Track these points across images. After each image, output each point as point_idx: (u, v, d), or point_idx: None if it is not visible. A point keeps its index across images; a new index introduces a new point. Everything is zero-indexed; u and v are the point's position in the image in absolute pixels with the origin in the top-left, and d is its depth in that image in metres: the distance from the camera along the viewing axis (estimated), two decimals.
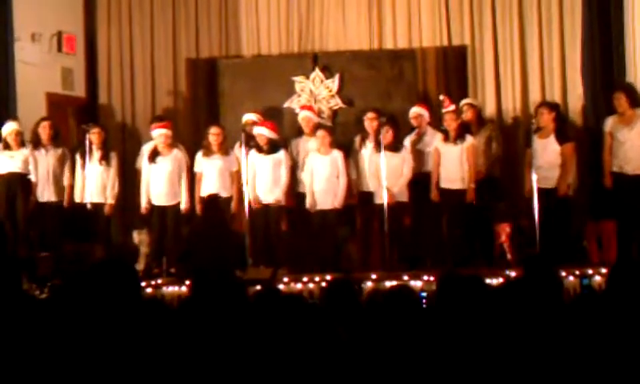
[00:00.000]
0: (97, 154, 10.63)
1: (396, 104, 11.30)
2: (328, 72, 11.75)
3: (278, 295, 5.32)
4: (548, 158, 9.86)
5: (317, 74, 11.75)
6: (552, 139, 9.91)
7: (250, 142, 10.56)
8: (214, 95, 12.08)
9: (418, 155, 10.51)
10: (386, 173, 10.08)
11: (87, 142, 10.52)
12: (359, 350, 3.84)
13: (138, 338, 3.26)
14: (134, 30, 12.42)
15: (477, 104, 10.91)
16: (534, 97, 11.39)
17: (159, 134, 10.62)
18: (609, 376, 3.62)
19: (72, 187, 10.69)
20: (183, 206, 10.54)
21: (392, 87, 11.58)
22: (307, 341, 3.74)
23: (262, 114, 11.10)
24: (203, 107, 12.24)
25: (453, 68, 11.82)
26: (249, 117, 10.97)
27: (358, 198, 10.54)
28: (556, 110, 10.17)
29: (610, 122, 9.96)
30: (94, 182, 10.56)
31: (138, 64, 12.39)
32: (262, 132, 10.52)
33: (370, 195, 10.39)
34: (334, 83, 11.73)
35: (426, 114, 10.73)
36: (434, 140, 10.53)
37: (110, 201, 10.65)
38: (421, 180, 10.42)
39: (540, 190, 9.74)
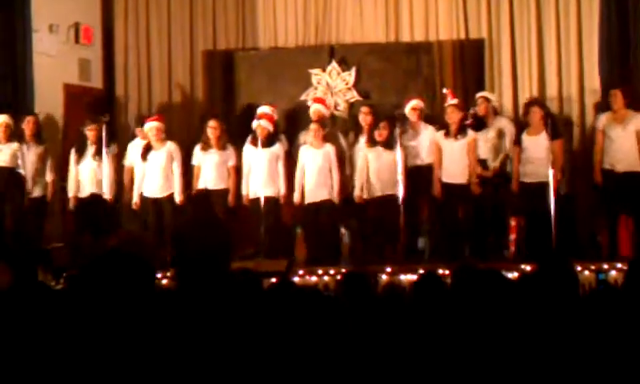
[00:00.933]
0: (91, 149, 10.67)
1: (412, 97, 11.26)
2: (345, 65, 11.75)
3: (293, 288, 5.33)
4: (539, 155, 9.83)
5: (333, 66, 11.74)
6: (543, 135, 9.88)
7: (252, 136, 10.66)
8: (230, 87, 12.09)
9: (409, 149, 10.45)
10: (378, 169, 10.18)
11: (103, 134, 10.51)
12: (374, 343, 3.84)
13: (153, 329, 3.27)
14: (151, 21, 12.44)
15: (491, 98, 10.86)
16: (551, 90, 11.37)
17: (151, 128, 10.64)
18: (625, 370, 3.60)
19: (54, 183, 10.73)
20: (177, 198, 10.56)
21: (409, 80, 11.57)
22: (323, 333, 3.74)
23: (275, 106, 11.10)
24: (219, 99, 12.25)
25: (470, 61, 11.79)
26: (262, 109, 10.98)
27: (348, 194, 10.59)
28: (544, 108, 10.20)
29: (603, 119, 10.02)
30: (87, 178, 10.66)
31: (154, 55, 12.42)
32: (262, 124, 10.55)
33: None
34: (350, 76, 11.72)
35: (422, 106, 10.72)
36: (423, 134, 10.51)
37: (108, 196, 10.62)
38: (414, 173, 10.39)
39: (528, 186, 9.86)
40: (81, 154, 10.73)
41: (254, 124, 10.63)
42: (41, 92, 11.20)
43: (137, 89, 12.41)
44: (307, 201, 10.45)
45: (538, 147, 9.88)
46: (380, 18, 11.96)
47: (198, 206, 9.04)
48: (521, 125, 10.52)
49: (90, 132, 10.69)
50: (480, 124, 10.41)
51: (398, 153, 10.06)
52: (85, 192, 10.70)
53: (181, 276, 8.14)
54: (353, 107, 11.52)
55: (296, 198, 10.49)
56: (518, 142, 10.13)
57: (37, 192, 10.65)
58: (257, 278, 4.76)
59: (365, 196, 10.38)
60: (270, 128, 10.63)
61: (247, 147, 10.62)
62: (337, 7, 12.11)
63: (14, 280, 4.72)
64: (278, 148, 10.61)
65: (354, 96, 11.67)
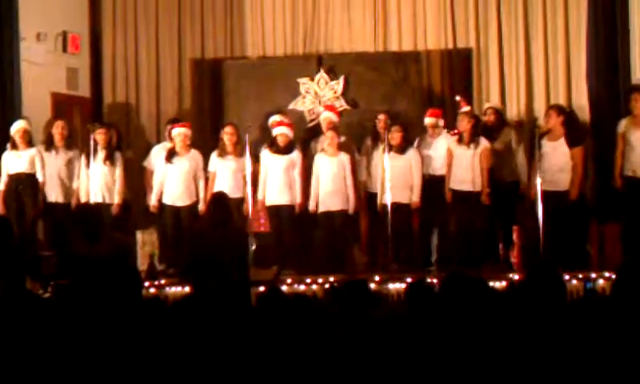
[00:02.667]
0: (101, 154, 10.62)
1: (401, 106, 11.33)
2: (333, 74, 11.76)
3: (282, 297, 5.33)
4: (557, 161, 9.80)
5: (322, 75, 11.76)
6: (562, 142, 9.85)
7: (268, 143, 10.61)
8: (218, 96, 12.09)
9: (423, 158, 10.49)
10: (391, 175, 10.09)
11: (92, 142, 10.48)
12: (366, 352, 3.84)
13: (139, 338, 3.26)
14: (139, 29, 12.43)
15: (500, 108, 10.85)
16: (539, 100, 11.40)
17: (178, 133, 10.59)
18: (612, 378, 3.61)
19: (79, 189, 10.66)
20: (201, 206, 10.48)
21: (397, 89, 11.59)
22: (312, 343, 3.74)
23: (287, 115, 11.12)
24: (208, 108, 12.24)
25: (458, 70, 11.83)
26: (274, 118, 10.98)
27: (366, 200, 10.55)
28: (564, 114, 10.11)
29: (623, 124, 9.87)
30: (98, 182, 10.55)
31: (142, 64, 12.40)
32: (284, 131, 10.52)
33: (376, 197, 10.45)
34: (338, 85, 11.73)
35: (441, 122, 10.71)
36: (439, 143, 10.52)
37: (117, 201, 10.62)
38: (426, 182, 10.40)
39: (547, 193, 9.70)
40: (89, 159, 10.55)
41: (275, 131, 10.58)
42: (28, 100, 11.16)
43: (125, 97, 12.38)
44: (321, 209, 10.41)
45: (556, 154, 9.80)
46: (368, 28, 11.99)
47: (217, 207, 8.89)
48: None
49: (99, 136, 10.61)
50: (490, 134, 10.35)
51: (414, 157, 10.12)
52: (98, 198, 10.55)
53: (196, 282, 8.09)
54: (341, 116, 11.52)
55: (311, 206, 10.44)
56: (537, 147, 9.93)
57: (59, 198, 10.63)
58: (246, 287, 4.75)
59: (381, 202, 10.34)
60: (291, 135, 10.60)
61: (264, 154, 10.55)
62: (325, 17, 12.13)
63: (2, 289, 4.70)
64: (296, 155, 10.58)
65: (342, 105, 11.68)
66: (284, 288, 8.59)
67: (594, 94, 10.93)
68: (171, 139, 10.76)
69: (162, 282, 9.70)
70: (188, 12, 12.37)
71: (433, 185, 10.38)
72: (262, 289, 6.96)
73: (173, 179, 10.52)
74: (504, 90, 11.62)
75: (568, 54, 11.44)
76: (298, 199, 10.46)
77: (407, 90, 11.58)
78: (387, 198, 10.04)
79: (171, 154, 10.57)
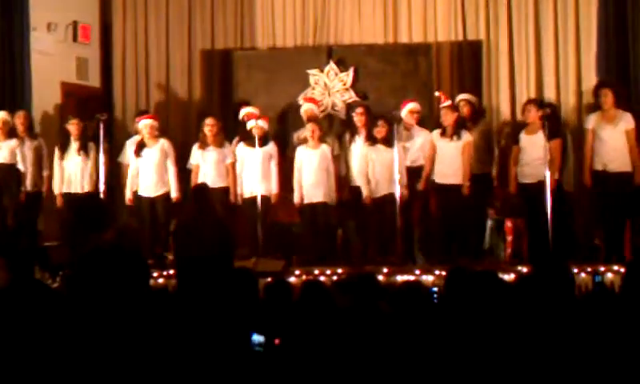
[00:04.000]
0: (75, 144, 10.64)
1: (411, 98, 11.28)
2: (342, 65, 11.75)
3: (289, 288, 5.33)
4: (536, 155, 9.82)
5: (331, 67, 11.75)
6: (540, 136, 9.86)
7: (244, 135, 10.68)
8: (228, 87, 12.09)
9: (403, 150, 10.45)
10: (378, 168, 10.19)
11: (101, 132, 10.47)
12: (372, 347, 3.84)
13: (146, 327, 3.26)
14: (149, 20, 12.43)
15: (473, 100, 10.85)
16: (549, 92, 11.37)
17: (145, 125, 10.65)
18: (621, 372, 3.61)
19: (50, 178, 10.68)
20: (174, 195, 10.55)
21: (406, 81, 11.57)
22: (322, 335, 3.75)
23: (262, 107, 11.14)
24: (217, 99, 12.25)
25: (468, 63, 11.80)
26: (247, 110, 11.04)
27: (350, 194, 10.60)
28: (543, 108, 10.14)
29: (592, 119, 9.93)
30: (73, 173, 10.61)
31: (152, 54, 12.41)
32: (259, 123, 10.56)
33: (358, 190, 10.45)
34: (348, 77, 11.73)
35: (415, 113, 10.73)
36: (418, 137, 10.55)
37: (87, 189, 10.58)
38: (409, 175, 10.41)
39: (525, 186, 9.85)
40: (64, 150, 10.66)
41: (250, 123, 10.62)
42: (38, 90, 11.20)
43: (134, 88, 12.39)
44: (305, 201, 10.46)
45: (535, 147, 9.87)
46: (378, 19, 11.97)
47: (198, 199, 8.94)
48: (518, 125, 10.53)
49: (72, 127, 10.66)
50: (463, 126, 10.38)
51: (396, 151, 10.06)
52: (71, 188, 10.62)
53: (181, 275, 8.12)
54: (350, 108, 11.51)
55: (296, 198, 10.48)
56: (515, 141, 10.12)
57: (32, 187, 10.64)
58: (254, 278, 4.75)
59: (366, 194, 10.37)
60: (266, 127, 10.65)
61: (240, 147, 10.62)
62: (335, 8, 12.11)
63: (12, 278, 4.72)
64: (272, 147, 10.62)
65: (351, 96, 11.68)
66: (292, 279, 8.64)
67: (598, 85, 10.88)
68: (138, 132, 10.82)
69: (172, 272, 9.72)
70: (198, 2, 12.37)
71: (413, 176, 10.39)
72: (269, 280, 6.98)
73: (145, 170, 10.57)
74: (514, 83, 11.59)
75: (578, 47, 11.41)
76: (274, 190, 10.51)
77: (417, 82, 11.56)
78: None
79: (140, 147, 10.61)
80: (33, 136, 10.74)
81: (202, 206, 8.83)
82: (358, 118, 10.72)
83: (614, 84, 10.13)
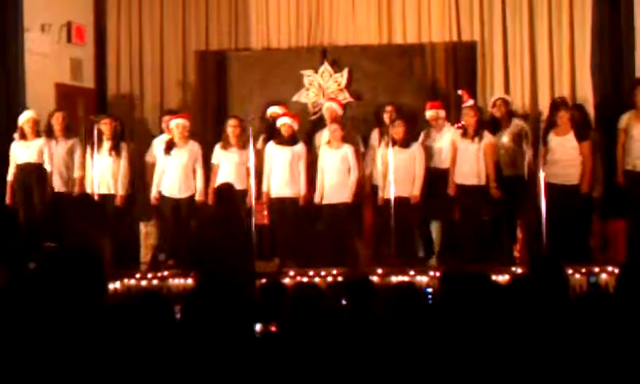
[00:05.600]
0: (107, 144, 10.60)
1: (405, 99, 11.32)
2: (337, 66, 11.77)
3: (284, 289, 5.33)
4: (565, 156, 9.76)
5: (326, 67, 11.76)
6: (570, 137, 9.80)
7: (272, 134, 10.56)
8: (222, 88, 12.09)
9: (426, 151, 10.46)
10: (395, 169, 10.08)
11: (95, 133, 10.45)
12: (368, 348, 3.84)
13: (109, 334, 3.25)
14: (144, 20, 12.42)
15: (509, 100, 10.72)
16: (543, 93, 11.39)
17: (176, 124, 10.52)
18: (615, 374, 3.61)
19: (82, 178, 10.64)
20: (198, 197, 10.49)
21: (401, 82, 11.59)
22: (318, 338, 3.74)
23: (287, 106, 11.10)
24: (212, 99, 12.24)
25: (462, 63, 11.80)
26: (273, 109, 10.96)
27: (371, 193, 10.56)
28: (572, 108, 10.09)
29: (624, 119, 9.83)
30: (104, 173, 10.53)
31: (147, 55, 12.40)
32: (288, 122, 10.50)
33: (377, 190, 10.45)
34: (342, 77, 11.74)
35: (442, 113, 10.65)
36: (444, 136, 10.49)
37: (121, 192, 10.58)
38: (431, 175, 10.37)
39: (553, 186, 9.66)
40: (93, 149, 10.51)
41: (279, 122, 10.53)
42: (32, 91, 11.15)
43: (129, 88, 12.38)
44: (325, 201, 10.39)
45: (564, 148, 9.75)
46: (372, 20, 11.97)
47: (224, 199, 8.80)
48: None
49: (104, 126, 10.57)
50: (496, 127, 10.29)
51: (418, 151, 10.09)
52: (101, 189, 10.51)
53: (202, 277, 8.05)
54: (345, 109, 11.51)
55: (317, 198, 10.41)
56: (544, 141, 9.92)
57: (61, 188, 10.57)
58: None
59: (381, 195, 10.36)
60: (295, 126, 10.58)
61: (270, 145, 10.48)
62: (329, 9, 12.12)
63: (9, 279, 4.71)
64: (300, 147, 10.52)
65: (346, 97, 11.68)
66: (286, 281, 8.63)
67: (599, 88, 10.91)
68: (169, 130, 10.73)
69: (165, 273, 9.72)
70: (192, 3, 12.37)
71: (437, 178, 10.34)
72: (264, 281, 6.98)
73: (171, 171, 10.48)
74: (508, 84, 11.61)
75: (572, 48, 11.43)
76: (302, 192, 10.44)
77: (411, 83, 11.59)
78: (391, 192, 10.01)
79: (170, 146, 10.53)
80: (68, 136, 10.68)
81: (226, 208, 8.69)
82: (388, 116, 10.67)
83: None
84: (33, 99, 11.12)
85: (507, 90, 11.54)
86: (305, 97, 11.70)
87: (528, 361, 3.66)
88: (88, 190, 10.54)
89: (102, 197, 10.47)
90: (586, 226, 9.97)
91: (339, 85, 11.72)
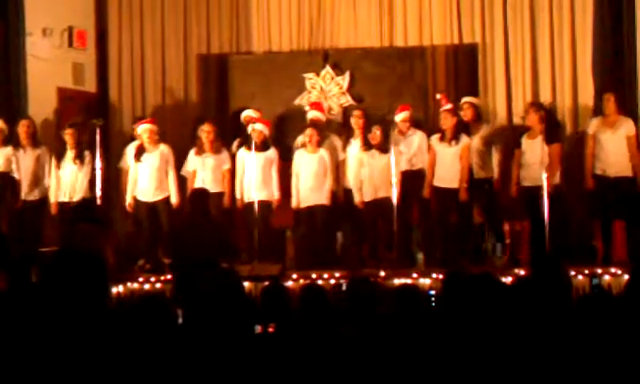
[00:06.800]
0: (71, 153, 10.57)
1: (406, 102, 11.28)
2: (338, 69, 11.77)
3: (285, 291, 5.32)
4: (536, 159, 9.80)
5: (327, 70, 11.76)
6: (540, 139, 9.84)
7: (244, 140, 10.63)
8: (224, 91, 12.09)
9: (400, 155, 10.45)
10: (373, 173, 10.23)
11: (97, 138, 10.42)
12: (370, 350, 3.83)
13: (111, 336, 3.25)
14: (145, 25, 12.42)
15: (477, 103, 10.84)
16: (545, 95, 11.36)
17: (144, 130, 10.63)
18: (618, 375, 3.61)
19: (55, 186, 10.59)
20: (174, 201, 10.53)
21: (402, 85, 11.59)
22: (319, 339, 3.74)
23: (261, 112, 11.12)
24: (213, 103, 12.24)
25: (463, 66, 11.80)
26: (247, 113, 11.01)
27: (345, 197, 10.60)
28: (543, 111, 10.14)
29: (594, 124, 10.00)
30: (67, 181, 10.52)
31: (148, 59, 12.39)
32: (259, 128, 10.54)
33: (352, 193, 10.48)
34: (344, 80, 11.74)
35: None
36: (413, 139, 10.56)
37: (78, 198, 10.44)
38: (404, 178, 10.36)
39: (526, 189, 9.84)
40: (60, 158, 10.58)
41: (250, 128, 10.60)
42: (34, 96, 11.17)
43: (130, 93, 12.37)
44: (302, 205, 10.47)
45: (534, 151, 9.84)
46: (374, 23, 11.97)
47: (196, 204, 8.92)
48: (515, 129, 10.53)
49: (67, 136, 10.60)
50: (465, 131, 10.38)
51: (392, 156, 10.05)
52: (66, 197, 10.51)
53: (179, 279, 8.09)
54: (347, 111, 11.51)
55: (293, 202, 10.47)
56: (517, 145, 10.09)
57: (34, 195, 10.58)
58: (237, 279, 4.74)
59: (359, 199, 10.41)
60: (266, 132, 10.64)
61: (241, 151, 10.60)
62: (331, 12, 12.11)
63: (9, 284, 4.71)
64: (272, 152, 10.61)
65: (347, 100, 11.69)
66: (289, 283, 8.64)
67: (600, 90, 10.89)
68: (138, 136, 10.79)
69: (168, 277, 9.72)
70: (194, 7, 12.36)
71: (410, 179, 10.39)
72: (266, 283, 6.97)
73: (144, 175, 10.56)
74: (510, 86, 11.59)
75: (574, 50, 11.42)
76: (276, 196, 10.49)
77: (413, 86, 11.58)
78: (393, 193, 10.02)
79: (140, 152, 10.59)
80: (35, 144, 10.69)
81: (198, 211, 8.82)
82: (355, 121, 10.72)
83: (617, 89, 10.12)
84: (34, 103, 11.14)
85: (509, 93, 11.55)
86: (307, 100, 11.69)
87: (531, 362, 3.66)
88: (52, 198, 10.53)
89: (63, 204, 10.45)
90: (563, 227, 10.03)
91: (341, 88, 11.72)
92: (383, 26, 11.96)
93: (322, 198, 10.43)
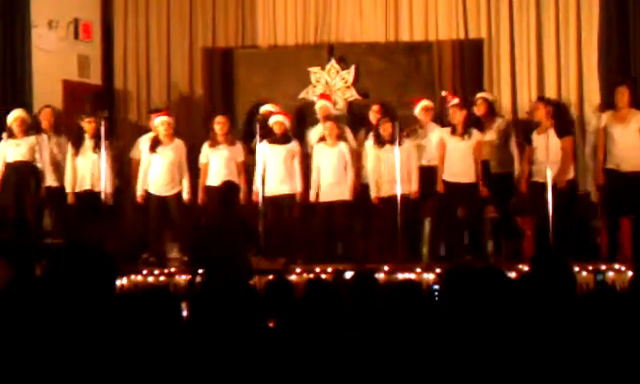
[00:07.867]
0: (89, 143, 10.56)
1: (411, 96, 11.28)
2: (344, 63, 11.77)
3: (289, 286, 5.33)
4: (548, 153, 9.73)
5: (332, 65, 11.76)
6: (551, 133, 9.81)
7: (264, 133, 10.51)
8: (229, 85, 12.10)
9: (417, 149, 10.43)
10: (385, 167, 10.12)
11: (102, 129, 10.42)
12: (370, 347, 3.83)
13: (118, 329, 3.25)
14: (151, 17, 12.43)
15: (491, 98, 10.81)
16: (550, 91, 11.36)
17: (161, 122, 10.54)
18: (622, 373, 3.60)
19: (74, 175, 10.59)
20: (186, 197, 10.50)
21: (408, 80, 11.59)
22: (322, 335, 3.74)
23: (279, 105, 11.09)
24: (218, 97, 12.25)
25: (469, 61, 11.80)
26: (266, 108, 10.95)
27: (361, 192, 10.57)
28: (551, 106, 10.09)
29: (605, 118, 9.87)
30: (86, 171, 10.50)
31: (153, 52, 12.41)
32: (280, 119, 10.49)
33: (367, 188, 10.42)
34: (349, 74, 11.74)
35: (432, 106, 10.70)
36: (431, 133, 10.50)
37: (109, 189, 10.45)
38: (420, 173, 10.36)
39: (539, 185, 9.74)
40: (78, 147, 10.58)
41: (271, 120, 10.53)
42: (40, 88, 11.19)
43: (136, 85, 12.39)
44: (321, 199, 10.38)
45: (545, 146, 9.77)
46: (379, 18, 11.97)
47: (229, 196, 8.78)
48: (525, 124, 10.48)
49: (88, 124, 10.57)
50: (479, 125, 10.34)
51: (397, 151, 10.02)
52: (84, 186, 10.53)
53: (207, 274, 8.05)
54: (352, 106, 11.51)
55: (312, 196, 10.41)
56: (528, 140, 10.03)
57: (54, 183, 10.59)
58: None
59: (375, 195, 10.35)
60: (287, 124, 10.56)
61: (262, 145, 10.43)
62: (336, 6, 12.11)
63: (14, 277, 4.71)
64: (294, 144, 10.53)
65: (352, 95, 11.69)
66: (293, 277, 8.64)
67: (606, 85, 10.87)
68: (154, 128, 10.73)
69: (172, 269, 9.72)
70: (199, 0, 12.37)
71: (426, 175, 10.34)
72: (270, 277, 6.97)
73: (157, 168, 10.48)
74: (515, 81, 11.60)
75: (579, 44, 11.41)
76: (299, 188, 10.44)
77: (418, 81, 11.58)
78: (397, 190, 10.00)
79: (155, 144, 10.54)
80: (58, 133, 10.70)
81: (231, 203, 8.68)
82: (374, 115, 10.67)
83: (631, 83, 10.04)
84: (40, 95, 11.15)
85: (514, 88, 11.55)
86: (312, 94, 11.69)
87: (534, 359, 3.65)
88: (68, 188, 10.53)
89: (87, 193, 10.47)
90: (572, 219, 10.00)
91: (346, 82, 11.72)
92: (389, 20, 11.96)
93: (344, 193, 10.34)
